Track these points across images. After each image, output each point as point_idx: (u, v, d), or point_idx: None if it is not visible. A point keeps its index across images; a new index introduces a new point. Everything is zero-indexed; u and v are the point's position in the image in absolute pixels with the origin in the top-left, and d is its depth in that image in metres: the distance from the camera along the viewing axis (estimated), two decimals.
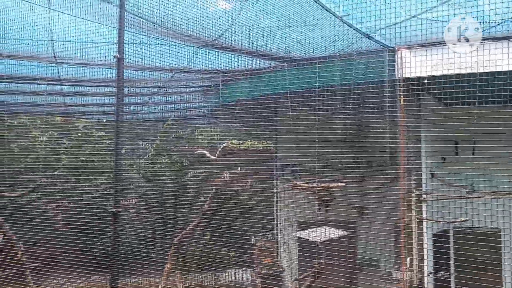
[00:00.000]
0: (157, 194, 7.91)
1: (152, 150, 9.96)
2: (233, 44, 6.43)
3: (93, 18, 6.34)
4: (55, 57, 6.91)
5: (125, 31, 5.86)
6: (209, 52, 6.85)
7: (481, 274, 5.24)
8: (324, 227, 6.64)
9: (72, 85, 7.72)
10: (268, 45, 6.42)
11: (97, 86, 7.60)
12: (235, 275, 8.80)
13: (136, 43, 6.31)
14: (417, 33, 4.89)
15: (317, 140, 5.49)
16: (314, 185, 6.16)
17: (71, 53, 6.96)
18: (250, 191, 8.74)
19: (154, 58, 6.61)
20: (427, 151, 6.55)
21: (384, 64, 5.65)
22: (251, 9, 6.11)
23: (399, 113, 5.50)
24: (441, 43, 5.01)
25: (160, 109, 8.71)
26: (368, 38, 5.79)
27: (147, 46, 6.51)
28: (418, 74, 5.31)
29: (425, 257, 6.05)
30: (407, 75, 5.42)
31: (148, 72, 7.04)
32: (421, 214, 6.17)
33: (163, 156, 10.13)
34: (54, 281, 8.02)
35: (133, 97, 7.88)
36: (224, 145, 7.37)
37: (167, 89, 8.17)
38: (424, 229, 6.16)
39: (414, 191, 6.02)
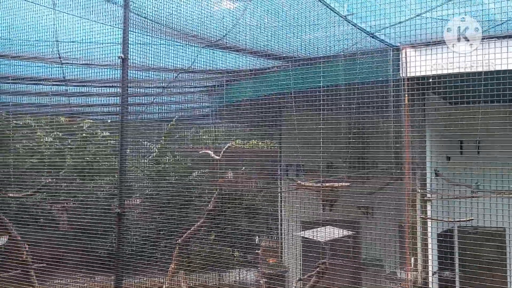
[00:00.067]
0: (162, 194, 7.92)
1: (156, 150, 9.98)
2: (237, 44, 6.43)
3: (97, 19, 6.37)
4: (60, 58, 6.93)
5: (129, 32, 5.88)
6: (213, 52, 6.86)
7: (486, 273, 5.23)
8: (329, 227, 6.64)
9: (77, 86, 7.74)
10: (272, 45, 6.43)
11: (101, 86, 7.63)
12: (239, 275, 8.81)
13: (140, 44, 6.33)
14: (422, 32, 4.89)
15: (321, 140, 5.49)
16: (319, 185, 6.16)
17: (76, 54, 6.99)
18: (255, 191, 8.74)
19: (158, 58, 6.62)
20: (431, 150, 6.54)
21: (388, 63, 5.65)
22: (255, 8, 6.13)
23: (403, 112, 5.50)
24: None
25: (164, 109, 8.72)
26: (373, 37, 5.79)
27: (151, 47, 6.53)
28: (423, 73, 5.31)
29: (430, 256, 6.03)
30: (412, 74, 5.42)
31: (152, 73, 7.05)
32: (426, 213, 6.15)
33: (168, 156, 10.15)
34: (59, 281, 8.04)
35: (138, 98, 7.90)
36: (228, 145, 7.37)
37: (172, 89, 8.18)
38: (429, 229, 6.15)
39: (419, 190, 6.01)
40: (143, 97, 8.04)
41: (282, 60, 6.50)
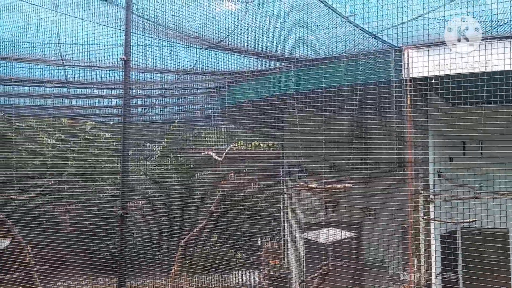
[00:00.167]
0: (164, 196, 7.91)
1: (159, 152, 9.98)
2: (239, 45, 6.43)
3: (100, 21, 6.37)
4: (62, 60, 6.94)
5: (131, 34, 5.88)
6: (215, 54, 6.86)
7: (489, 275, 5.21)
8: (331, 228, 6.62)
9: (79, 88, 7.75)
10: (274, 46, 6.42)
11: (104, 88, 7.63)
12: (242, 277, 8.79)
13: (142, 46, 6.33)
14: (424, 32, 4.88)
15: (324, 141, 5.48)
16: (321, 186, 6.14)
17: (78, 56, 6.99)
18: (257, 193, 8.73)
19: (160, 60, 6.62)
20: (434, 152, 6.52)
21: (391, 64, 5.64)
22: (257, 10, 6.12)
23: (406, 113, 5.48)
24: None
25: (166, 111, 8.72)
26: (375, 38, 5.78)
27: (153, 49, 6.53)
28: (425, 74, 5.30)
29: (433, 258, 6.01)
30: (414, 75, 5.40)
31: (154, 74, 7.05)
32: (429, 215, 6.13)
33: (170, 158, 10.15)
34: (62, 283, 8.05)
35: (140, 99, 7.90)
36: (230, 146, 7.37)
37: (174, 91, 8.18)
38: (432, 230, 6.13)
39: (422, 191, 5.99)
40: (146, 99, 8.04)
41: (284, 62, 6.49)
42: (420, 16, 4.84)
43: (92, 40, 6.61)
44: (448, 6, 4.74)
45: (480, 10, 4.56)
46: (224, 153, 7.29)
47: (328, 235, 6.45)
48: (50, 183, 7.93)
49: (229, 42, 6.32)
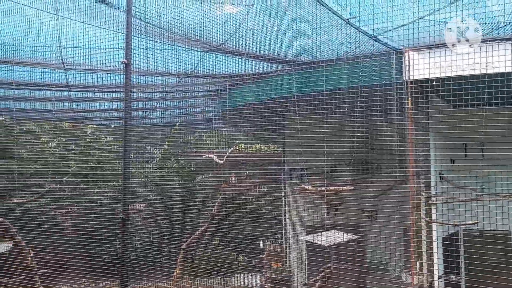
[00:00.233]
0: (165, 199, 7.91)
1: (160, 155, 9.99)
2: (239, 48, 6.44)
3: (100, 24, 6.39)
4: (63, 63, 6.96)
5: (132, 37, 5.90)
6: (216, 57, 6.87)
7: (492, 277, 5.19)
8: (333, 231, 6.61)
9: (80, 91, 7.76)
10: (274, 49, 6.43)
11: (105, 91, 7.64)
12: (244, 279, 8.78)
13: (143, 49, 6.34)
14: (425, 34, 4.87)
15: (325, 144, 5.48)
16: (322, 189, 6.14)
17: (79, 59, 7.01)
18: (258, 195, 8.73)
19: (161, 63, 6.63)
20: (436, 154, 6.51)
21: (391, 67, 5.64)
22: (258, 13, 6.13)
23: (407, 116, 5.47)
24: None
25: (167, 114, 8.74)
26: (375, 41, 5.78)
27: (154, 52, 6.54)
28: (426, 76, 5.29)
29: (435, 260, 6.00)
30: (415, 77, 5.40)
31: (155, 77, 7.07)
32: (431, 217, 6.12)
33: (171, 161, 10.15)
34: (63, 286, 8.04)
35: (141, 102, 7.91)
36: (231, 149, 7.37)
37: (175, 94, 8.19)
38: (434, 232, 6.11)
39: (423, 194, 5.98)
40: (147, 102, 8.06)
41: (285, 64, 6.49)
42: (420, 18, 4.84)
43: (93, 44, 6.63)
44: (449, 8, 4.74)
45: (480, 12, 4.56)
46: (225, 156, 7.29)
47: (329, 238, 6.44)
48: (51, 187, 7.94)
49: (229, 45, 6.32)
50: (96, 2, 6.11)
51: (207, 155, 7.70)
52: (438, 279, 6.24)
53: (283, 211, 8.73)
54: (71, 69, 7.13)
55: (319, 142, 5.58)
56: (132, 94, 6.07)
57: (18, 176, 8.02)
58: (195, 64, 6.88)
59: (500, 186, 5.16)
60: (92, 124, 10.00)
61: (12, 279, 7.49)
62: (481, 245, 5.93)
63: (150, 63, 6.40)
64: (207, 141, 8.89)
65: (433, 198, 6.10)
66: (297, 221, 7.21)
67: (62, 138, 9.39)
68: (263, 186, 8.37)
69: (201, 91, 8.62)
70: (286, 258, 8.72)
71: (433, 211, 6.17)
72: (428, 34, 4.86)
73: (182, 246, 7.55)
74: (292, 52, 6.45)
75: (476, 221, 5.03)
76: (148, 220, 8.48)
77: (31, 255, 7.66)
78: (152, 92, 7.84)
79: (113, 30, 6.26)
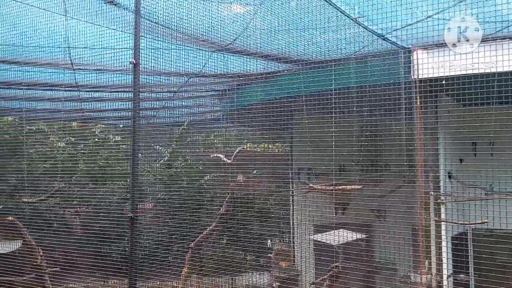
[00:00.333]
0: (174, 198, 7.94)
1: (168, 154, 10.02)
2: (247, 48, 6.44)
3: (109, 25, 6.42)
4: (72, 63, 7.00)
5: (140, 37, 5.92)
6: (224, 56, 6.88)
7: (501, 276, 5.17)
8: (341, 230, 6.61)
9: (89, 91, 7.81)
10: (282, 48, 6.43)
11: (113, 91, 7.68)
12: (252, 278, 8.79)
13: (151, 49, 6.36)
14: (434, 33, 4.86)
15: (333, 143, 5.48)
16: (330, 188, 6.14)
17: (88, 60, 7.05)
18: (266, 195, 8.74)
19: (169, 63, 6.65)
20: (445, 153, 6.49)
21: (399, 66, 5.62)
22: (265, 12, 6.13)
23: (415, 115, 5.46)
24: None
25: (175, 113, 8.76)
26: (383, 40, 5.77)
27: (162, 52, 6.56)
28: (435, 75, 5.27)
29: (444, 260, 5.98)
30: (423, 76, 5.38)
31: (163, 77, 7.09)
32: (440, 216, 6.10)
33: (179, 160, 10.18)
34: (72, 285, 8.10)
35: (149, 102, 7.94)
36: (239, 148, 7.38)
37: (183, 94, 8.22)
38: (443, 232, 6.10)
39: (432, 193, 5.96)
40: (155, 102, 8.08)
41: (293, 63, 6.49)
42: (429, 17, 4.82)
43: (101, 44, 6.66)
44: (458, 6, 4.72)
45: (490, 10, 4.54)
46: (233, 155, 7.30)
47: (338, 237, 6.44)
48: (60, 186, 7.99)
49: (237, 45, 6.33)
50: (104, 3, 6.14)
51: (215, 155, 7.72)
52: (447, 278, 6.23)
53: (291, 210, 8.73)
54: (80, 69, 7.17)
55: (327, 141, 5.58)
56: (140, 94, 6.09)
57: (27, 175, 8.08)
58: (203, 64, 6.90)
59: (509, 185, 5.14)
60: (100, 123, 10.05)
61: (21, 278, 7.55)
62: (491, 244, 5.90)
63: (158, 63, 6.42)
64: (215, 141, 8.91)
65: (442, 197, 6.08)
66: (305, 220, 7.22)
67: (71, 138, 9.45)
68: (271, 185, 8.38)
69: (209, 91, 8.63)
70: (294, 257, 8.73)
71: (442, 210, 6.15)
72: (438, 33, 4.84)
73: (190, 245, 7.58)
74: (300, 52, 6.45)
75: (486, 221, 5.01)
76: (157, 219, 8.51)
77: (41, 253, 7.71)
78: (160, 92, 7.86)
79: (121, 31, 6.29)
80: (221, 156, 7.54)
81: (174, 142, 9.92)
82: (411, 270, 6.70)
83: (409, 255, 6.23)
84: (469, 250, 6.51)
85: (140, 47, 5.92)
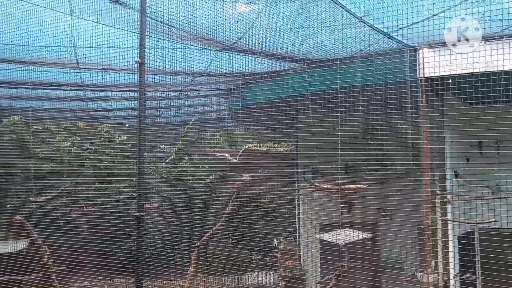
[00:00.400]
0: (180, 198, 7.95)
1: (173, 153, 10.03)
2: (252, 46, 6.44)
3: (114, 24, 6.42)
4: (77, 63, 7.01)
5: (146, 36, 5.92)
6: (229, 55, 6.87)
7: (509, 276, 5.13)
8: (347, 229, 6.59)
9: (95, 91, 7.82)
10: (288, 47, 6.41)
11: (119, 91, 7.69)
12: (258, 277, 8.80)
13: (157, 48, 6.37)
14: (440, 31, 4.83)
15: (339, 142, 5.46)
16: (336, 187, 6.12)
17: (93, 59, 7.06)
18: (272, 194, 8.73)
19: (175, 62, 6.65)
20: (451, 152, 6.46)
21: (405, 64, 5.60)
22: (270, 11, 6.12)
23: (421, 113, 5.43)
24: None
25: (181, 112, 8.76)
26: (389, 38, 5.74)
27: (167, 51, 6.56)
28: (441, 73, 5.24)
29: (451, 259, 5.95)
30: (429, 74, 5.35)
31: (169, 76, 7.09)
32: (446, 215, 6.08)
33: (185, 159, 10.19)
34: (79, 284, 8.13)
35: (155, 101, 7.95)
36: (245, 147, 7.38)
37: (188, 93, 8.22)
38: (449, 231, 6.07)
39: (438, 192, 5.94)
40: (160, 101, 8.09)
41: (298, 62, 6.48)
42: (435, 15, 4.79)
43: (107, 43, 6.67)
44: (463, 4, 4.69)
45: (496, 8, 4.50)
46: (239, 154, 7.30)
47: (344, 236, 6.42)
48: (67, 185, 8.02)
49: (242, 44, 6.32)
50: (110, 2, 6.14)
51: (221, 154, 7.72)
52: (454, 277, 6.20)
53: (296, 209, 8.72)
54: (85, 68, 7.19)
55: (333, 140, 5.56)
56: (146, 93, 6.09)
57: (34, 174, 8.11)
58: (208, 63, 6.90)
59: None
60: (106, 123, 10.07)
61: (29, 277, 7.59)
62: (497, 243, 5.86)
63: (164, 62, 6.42)
64: (221, 140, 8.91)
65: (448, 197, 6.05)
66: (311, 219, 7.21)
67: (77, 137, 9.48)
68: (277, 184, 8.37)
69: (215, 90, 8.63)
70: (300, 256, 8.72)
71: (449, 209, 6.12)
72: (443, 31, 4.81)
73: (196, 244, 7.59)
74: (305, 50, 6.43)
75: (492, 220, 4.98)
76: (163, 218, 8.53)
77: (47, 252, 7.75)
78: (166, 91, 7.87)
79: (127, 30, 6.30)
80: (227, 155, 7.54)
81: (180, 141, 9.93)
82: (417, 269, 6.67)
83: (415, 254, 6.21)
84: (475, 250, 6.48)
85: (146, 46, 5.92)
